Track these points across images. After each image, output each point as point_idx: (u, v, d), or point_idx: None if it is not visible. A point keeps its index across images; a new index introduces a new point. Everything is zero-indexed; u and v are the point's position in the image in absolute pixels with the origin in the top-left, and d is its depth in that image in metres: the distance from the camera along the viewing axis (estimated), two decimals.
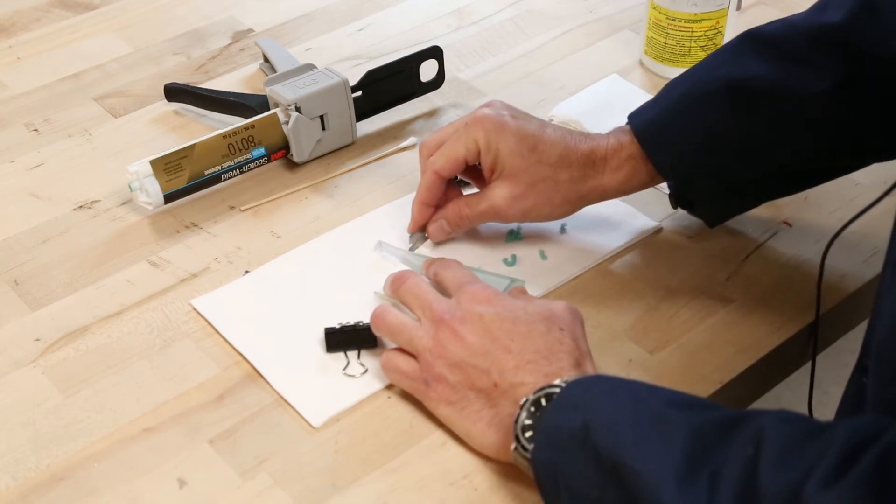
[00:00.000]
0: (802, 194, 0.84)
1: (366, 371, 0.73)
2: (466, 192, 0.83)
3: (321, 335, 0.74)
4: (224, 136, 0.86)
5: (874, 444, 0.49)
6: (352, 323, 0.74)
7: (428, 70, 0.96)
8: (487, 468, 0.66)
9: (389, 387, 0.72)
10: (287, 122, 0.88)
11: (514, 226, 0.83)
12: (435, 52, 0.95)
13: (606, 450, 0.56)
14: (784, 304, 0.78)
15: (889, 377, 0.56)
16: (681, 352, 0.74)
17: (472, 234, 0.83)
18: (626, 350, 0.74)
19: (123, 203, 0.89)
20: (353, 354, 0.74)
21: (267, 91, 0.90)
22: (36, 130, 0.98)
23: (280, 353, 0.74)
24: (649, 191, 0.82)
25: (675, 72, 0.99)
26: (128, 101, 1.01)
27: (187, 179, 0.85)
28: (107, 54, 1.08)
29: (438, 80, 0.97)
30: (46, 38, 1.11)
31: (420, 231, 0.82)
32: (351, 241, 0.84)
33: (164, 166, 0.84)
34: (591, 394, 0.61)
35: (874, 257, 0.82)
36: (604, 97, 0.98)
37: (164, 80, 1.01)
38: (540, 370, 0.64)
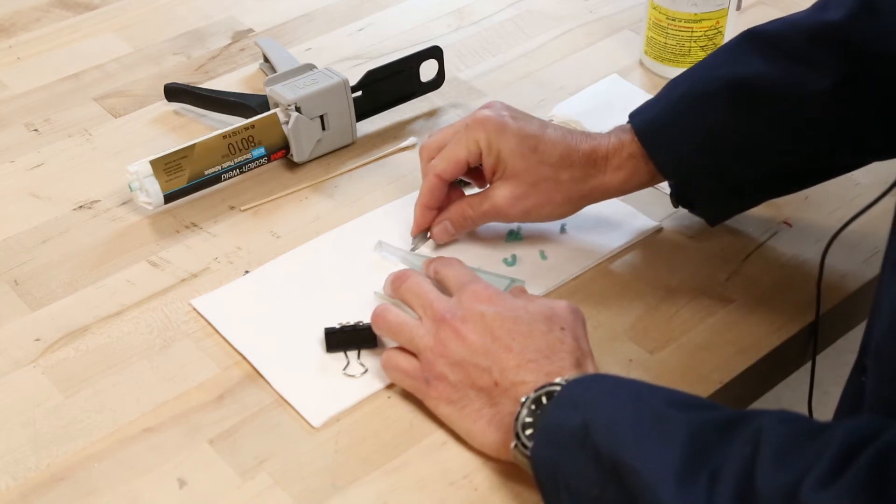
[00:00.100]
0: (802, 194, 0.84)
1: (366, 371, 0.73)
2: (467, 191, 0.83)
3: (321, 335, 0.74)
4: (224, 136, 0.86)
5: (871, 444, 0.49)
6: (352, 323, 0.74)
7: (428, 70, 0.96)
8: (488, 468, 0.66)
9: (389, 387, 0.72)
10: (287, 122, 0.88)
11: (514, 226, 0.83)
12: (435, 52, 0.95)
13: (606, 448, 0.56)
14: (784, 304, 0.78)
15: (888, 376, 0.56)
16: (681, 352, 0.74)
17: (472, 234, 0.84)
18: (626, 350, 0.74)
19: (123, 203, 0.89)
20: (353, 354, 0.74)
21: (267, 91, 0.90)
22: (36, 130, 0.98)
23: (280, 353, 0.74)
24: (649, 191, 0.82)
25: (675, 72, 0.99)
26: (128, 101, 1.01)
27: (187, 179, 0.85)
28: (107, 54, 1.08)
29: (438, 80, 0.97)
30: (46, 38, 1.11)
31: (422, 233, 0.82)
32: (351, 241, 0.84)
33: (164, 166, 0.84)
34: (591, 393, 0.61)
35: (874, 257, 0.82)
36: (604, 97, 0.98)
37: (164, 80, 1.01)
38: (541, 369, 0.64)
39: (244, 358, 0.74)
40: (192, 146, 0.85)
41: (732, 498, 0.51)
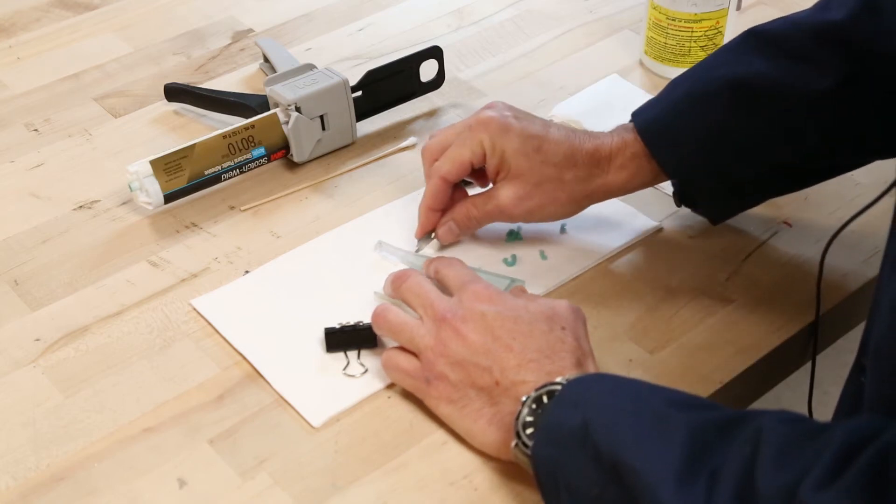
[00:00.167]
0: (802, 194, 0.84)
1: (366, 371, 0.73)
2: (470, 191, 0.82)
3: (321, 335, 0.74)
4: (224, 136, 0.86)
5: (871, 444, 0.49)
6: (352, 323, 0.74)
7: (428, 70, 0.96)
8: (488, 468, 0.66)
9: (389, 387, 0.72)
10: (287, 122, 0.88)
11: (514, 226, 0.83)
12: (435, 52, 0.95)
13: (606, 448, 0.56)
14: (784, 304, 0.78)
15: (888, 375, 0.56)
16: (681, 352, 0.74)
17: (473, 235, 0.83)
18: (626, 350, 0.74)
19: (123, 203, 0.89)
20: (353, 354, 0.74)
21: (267, 91, 0.90)
22: (36, 130, 0.98)
23: (280, 353, 0.74)
24: (649, 191, 0.82)
25: (675, 72, 0.99)
26: (128, 101, 1.01)
27: (187, 179, 0.85)
28: (107, 54, 1.08)
29: (438, 80, 0.97)
30: (46, 38, 1.11)
31: (427, 235, 0.82)
32: (351, 241, 0.84)
33: (164, 166, 0.84)
34: (591, 392, 0.61)
35: (874, 257, 0.82)
36: (604, 97, 0.98)
37: (164, 80, 1.01)
38: (541, 368, 0.64)
39: (244, 358, 0.74)
40: (192, 146, 0.85)
41: (732, 498, 0.51)
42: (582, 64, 1.04)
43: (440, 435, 0.69)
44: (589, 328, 0.70)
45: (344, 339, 0.74)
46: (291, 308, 0.78)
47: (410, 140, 0.94)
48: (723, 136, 0.75)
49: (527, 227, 0.83)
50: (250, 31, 1.11)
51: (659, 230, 0.84)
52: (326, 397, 0.71)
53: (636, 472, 0.54)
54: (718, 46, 0.98)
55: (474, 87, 1.01)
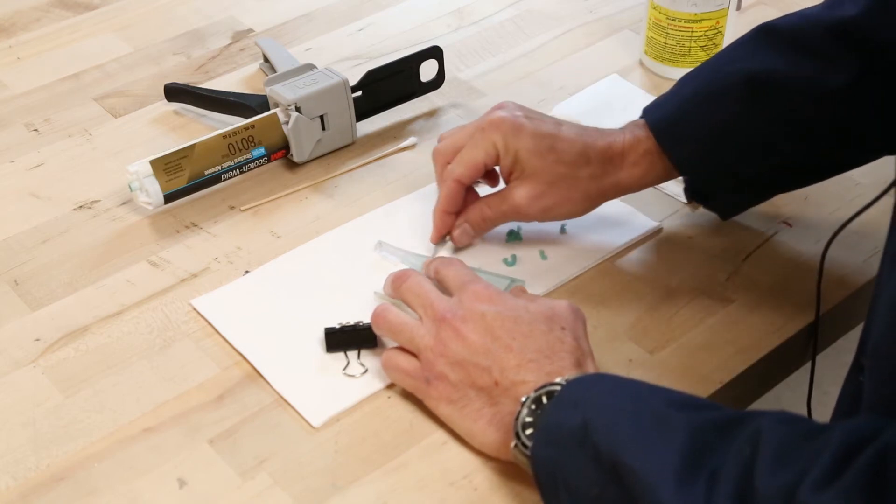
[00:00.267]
0: (802, 194, 0.84)
1: (366, 371, 0.73)
2: (478, 190, 0.82)
3: (321, 335, 0.74)
4: (224, 136, 0.86)
5: (870, 444, 0.49)
6: (352, 323, 0.74)
7: (428, 70, 0.96)
8: (488, 468, 0.67)
9: (389, 387, 0.72)
10: (287, 122, 0.88)
11: (514, 226, 0.83)
12: (435, 52, 0.95)
13: (606, 448, 0.56)
14: (784, 304, 0.78)
15: (887, 374, 0.56)
16: (681, 352, 0.74)
17: None
18: (626, 350, 0.74)
19: (123, 203, 0.89)
20: (353, 354, 0.74)
21: (267, 91, 0.90)
22: (36, 130, 0.98)
23: (280, 353, 0.74)
24: (649, 190, 0.83)
25: (674, 72, 1.00)
26: (128, 101, 1.01)
27: (187, 179, 0.85)
28: (107, 54, 1.08)
29: (438, 80, 0.97)
30: (46, 38, 1.11)
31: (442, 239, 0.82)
32: (351, 241, 0.84)
33: (164, 166, 0.84)
34: (591, 392, 0.61)
35: (874, 257, 0.82)
36: (604, 97, 0.98)
37: (164, 80, 1.01)
38: (541, 369, 0.64)
39: (244, 358, 0.74)
40: (192, 146, 0.85)
41: (731, 498, 0.51)
42: (582, 64, 1.04)
43: (440, 435, 0.69)
44: (589, 328, 0.70)
45: (344, 339, 0.74)
46: (291, 308, 0.78)
47: (410, 140, 0.94)
48: (735, 132, 0.75)
49: (527, 227, 0.83)
50: (250, 31, 1.11)
51: (659, 230, 0.84)
52: (326, 397, 0.71)
53: (636, 472, 0.54)
54: (718, 46, 0.98)
55: (474, 87, 1.01)
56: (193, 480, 0.67)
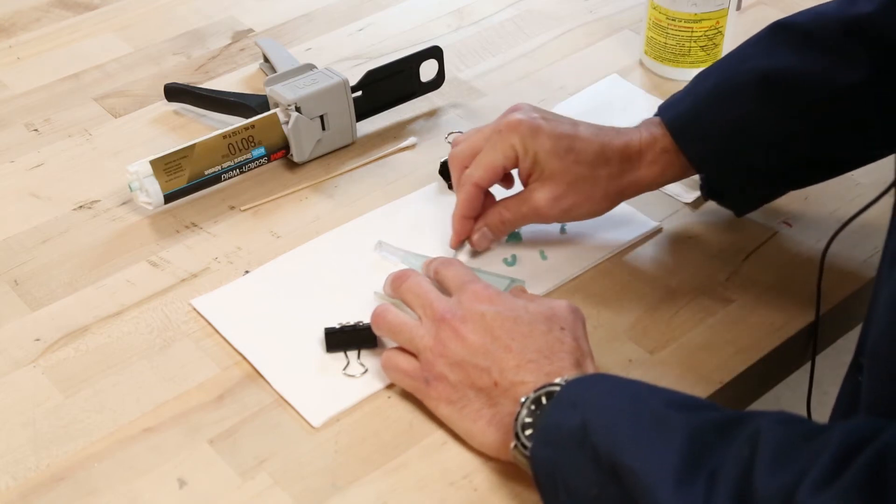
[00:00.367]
0: (802, 194, 0.84)
1: (366, 371, 0.73)
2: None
3: (321, 335, 0.74)
4: (224, 136, 0.87)
5: (869, 445, 0.49)
6: (352, 323, 0.74)
7: (428, 70, 0.96)
8: (487, 468, 0.67)
9: (389, 387, 0.72)
10: (287, 122, 0.88)
11: None
12: (435, 52, 0.95)
13: (605, 449, 0.56)
14: (784, 304, 0.78)
15: (885, 373, 0.56)
16: (681, 352, 0.74)
17: None
18: (626, 350, 0.74)
19: (123, 203, 0.89)
20: (353, 354, 0.74)
21: (267, 91, 0.90)
22: (36, 130, 0.98)
23: (280, 353, 0.74)
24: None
25: (674, 72, 1.00)
26: (128, 101, 1.01)
27: (187, 179, 0.85)
28: (107, 54, 1.08)
29: (438, 80, 0.97)
30: (46, 38, 1.11)
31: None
32: (351, 241, 0.84)
33: (164, 166, 0.84)
34: (590, 393, 0.61)
35: (874, 257, 0.82)
36: (604, 97, 0.98)
37: (164, 80, 1.01)
38: (541, 369, 0.64)
39: (244, 358, 0.74)
40: (192, 146, 0.85)
41: (731, 499, 0.51)
42: (582, 64, 1.04)
43: (440, 435, 0.69)
44: (589, 328, 0.70)
45: (344, 339, 0.74)
46: (291, 308, 0.78)
47: (410, 140, 0.94)
48: (751, 129, 0.75)
49: (527, 227, 0.83)
50: (250, 31, 1.11)
51: (659, 230, 0.84)
52: (326, 397, 0.71)
53: (635, 472, 0.54)
54: (718, 46, 0.98)
55: (474, 87, 1.01)
56: (193, 480, 0.67)
